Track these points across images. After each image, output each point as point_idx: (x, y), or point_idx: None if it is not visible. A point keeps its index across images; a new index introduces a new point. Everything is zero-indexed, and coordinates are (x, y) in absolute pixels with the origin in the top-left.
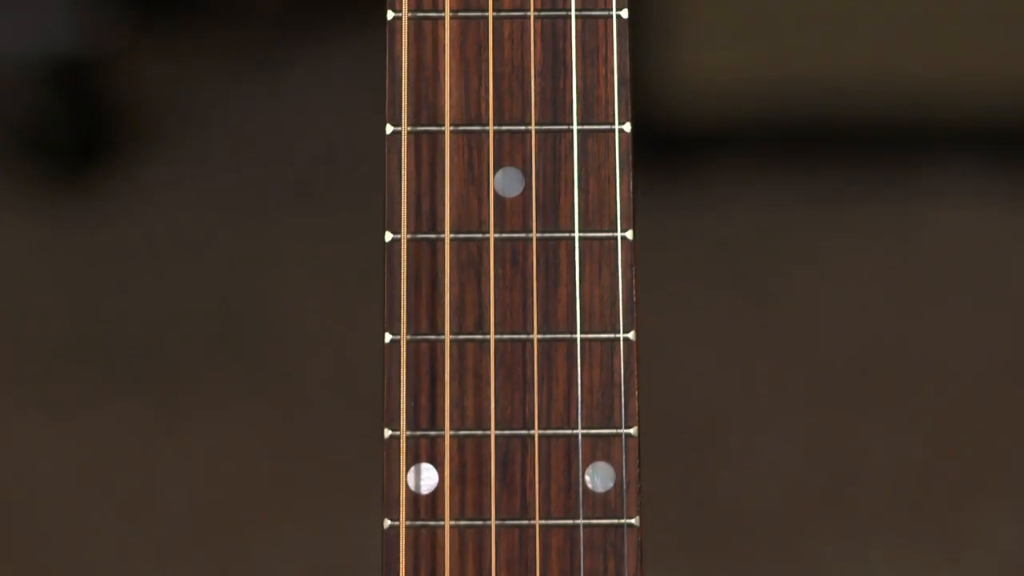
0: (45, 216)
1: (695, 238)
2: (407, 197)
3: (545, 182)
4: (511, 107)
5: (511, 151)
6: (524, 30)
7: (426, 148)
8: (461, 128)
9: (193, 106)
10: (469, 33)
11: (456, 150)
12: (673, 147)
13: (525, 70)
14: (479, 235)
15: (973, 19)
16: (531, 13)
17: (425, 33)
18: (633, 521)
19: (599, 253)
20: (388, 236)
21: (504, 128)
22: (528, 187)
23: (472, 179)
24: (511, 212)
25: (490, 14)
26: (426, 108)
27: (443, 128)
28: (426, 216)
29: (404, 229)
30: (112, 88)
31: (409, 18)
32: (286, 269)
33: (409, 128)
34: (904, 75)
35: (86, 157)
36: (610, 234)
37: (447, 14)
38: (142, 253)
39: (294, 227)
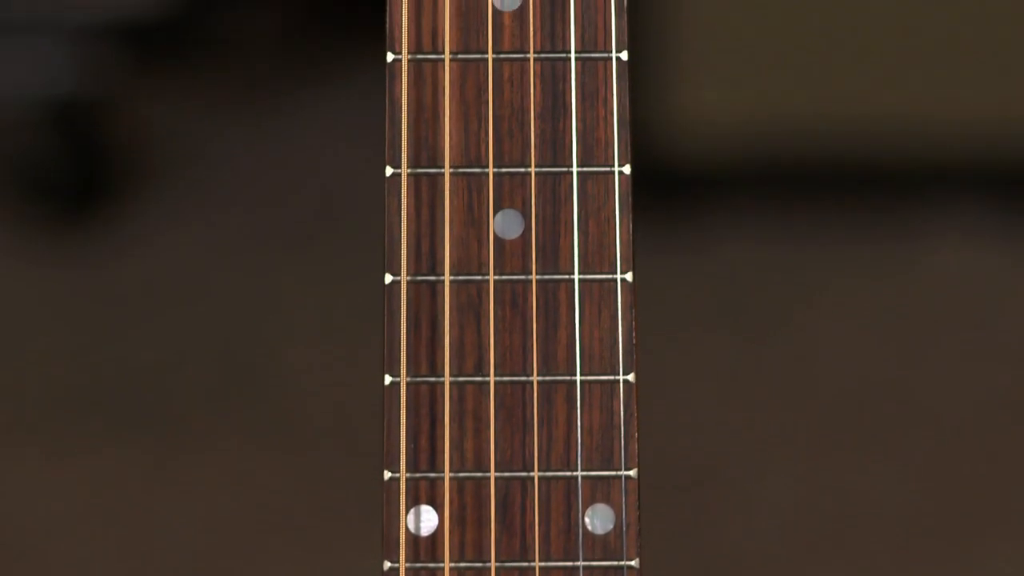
0: (45, 258)
1: (695, 279)
2: (407, 239)
3: (545, 224)
4: (511, 149)
5: (511, 193)
6: (524, 72)
7: (426, 190)
8: (461, 170)
9: (193, 148)
10: (469, 75)
11: (456, 192)
12: (673, 189)
13: (525, 112)
14: (479, 277)
15: (971, 60)
16: (531, 55)
17: (425, 75)
18: (633, 563)
19: (599, 295)
20: (388, 278)
21: (504, 170)
22: (528, 229)
23: (472, 221)
24: (511, 254)
25: (490, 56)
26: (426, 150)
27: (443, 170)
28: (426, 258)
29: (404, 271)
30: (112, 130)
31: (409, 60)
32: (286, 311)
33: (409, 170)
34: (903, 116)
35: (86, 199)
36: (610, 276)
37: (447, 56)
38: (141, 295)
39: (294, 269)
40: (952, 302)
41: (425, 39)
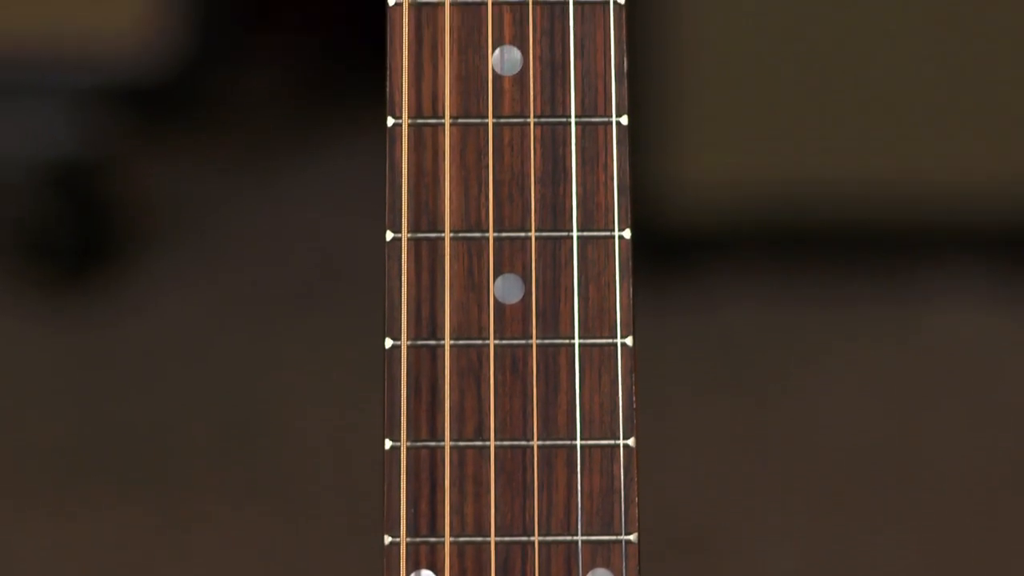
0: (47, 319)
1: (695, 343)
2: (407, 303)
3: (545, 289)
4: (511, 214)
5: (511, 257)
6: (524, 137)
7: (426, 254)
8: (461, 235)
9: (193, 211)
10: (469, 140)
11: (456, 256)
12: (673, 253)
13: (525, 177)
14: (479, 341)
15: (970, 123)
16: (531, 120)
17: (425, 139)
18: None
19: (599, 360)
20: (388, 342)
21: (504, 235)
22: (528, 293)
23: (472, 285)
24: (511, 318)
25: (490, 121)
26: (426, 214)
27: (443, 234)
28: (426, 322)
29: (404, 335)
30: (112, 192)
31: (409, 125)
32: (287, 374)
33: (409, 234)
34: (902, 179)
35: (87, 261)
36: (610, 341)
37: (447, 121)
38: (143, 357)
39: (295, 332)
40: (954, 365)
41: (425, 104)
